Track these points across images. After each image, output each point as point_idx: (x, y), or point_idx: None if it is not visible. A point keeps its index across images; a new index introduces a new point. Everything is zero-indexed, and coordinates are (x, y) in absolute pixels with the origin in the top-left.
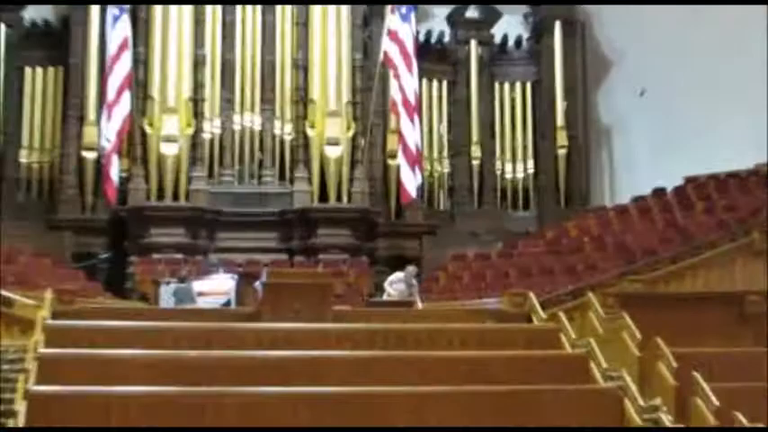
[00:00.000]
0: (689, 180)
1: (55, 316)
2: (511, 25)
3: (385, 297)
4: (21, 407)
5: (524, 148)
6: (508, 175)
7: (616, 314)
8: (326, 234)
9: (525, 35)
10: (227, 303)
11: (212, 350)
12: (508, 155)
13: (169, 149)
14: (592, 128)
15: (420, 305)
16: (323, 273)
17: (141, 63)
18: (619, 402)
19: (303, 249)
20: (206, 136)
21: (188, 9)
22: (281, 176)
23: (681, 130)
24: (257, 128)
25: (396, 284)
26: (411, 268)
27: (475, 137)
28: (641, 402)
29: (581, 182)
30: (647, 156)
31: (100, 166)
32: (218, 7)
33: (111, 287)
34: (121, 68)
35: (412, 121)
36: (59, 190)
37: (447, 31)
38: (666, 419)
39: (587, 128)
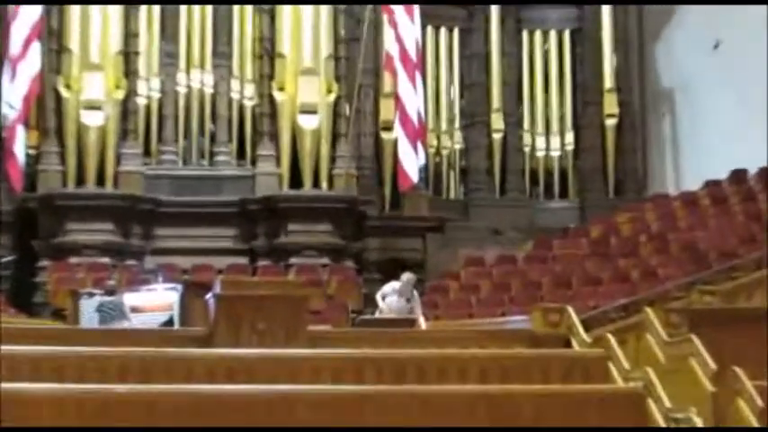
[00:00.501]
0: None
1: None
2: None
3: (377, 314)
4: None
5: (561, 117)
6: (540, 153)
7: (682, 336)
8: (300, 231)
9: None
10: (169, 322)
11: (149, 384)
12: (540, 126)
13: (92, 119)
14: (649, 91)
15: (423, 324)
16: (295, 282)
17: (55, 6)
18: None
19: (269, 251)
20: (140, 101)
21: None
22: (241, 155)
23: (766, 95)
24: (208, 90)
25: (390, 297)
26: (408, 276)
27: (496, 102)
28: None
29: (636, 162)
30: (722, 128)
31: (0, 141)
32: None
33: (16, 300)
34: (29, 13)
35: (413, 81)
36: None
37: None
38: None
39: (644, 91)
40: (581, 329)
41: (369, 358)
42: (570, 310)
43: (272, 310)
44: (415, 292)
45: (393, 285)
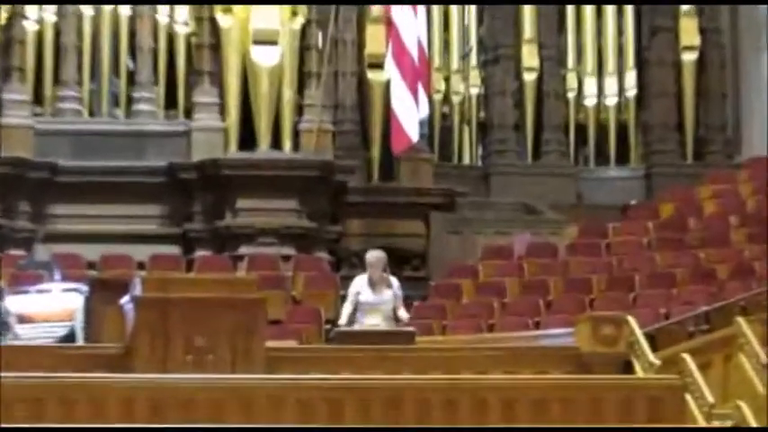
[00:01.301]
0: None
1: None
2: None
3: (353, 324)
4: None
5: (619, 50)
6: (589, 102)
7: None
8: (254, 209)
9: None
10: (70, 336)
11: (45, 423)
12: (589, 64)
13: None
14: (744, 16)
15: (405, 316)
16: (247, 280)
17: None
18: None
19: (210, 237)
20: (29, 26)
21: None
22: (170, 103)
23: None
24: (125, 12)
25: (365, 294)
26: (375, 254)
27: (528, 31)
28: None
29: (724, 113)
30: None
31: None
32: None
33: None
34: None
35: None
36: None
37: None
38: None
39: (736, 16)
40: (646, 348)
41: (350, 387)
42: (631, 320)
43: (215, 320)
44: (393, 279)
45: (364, 278)
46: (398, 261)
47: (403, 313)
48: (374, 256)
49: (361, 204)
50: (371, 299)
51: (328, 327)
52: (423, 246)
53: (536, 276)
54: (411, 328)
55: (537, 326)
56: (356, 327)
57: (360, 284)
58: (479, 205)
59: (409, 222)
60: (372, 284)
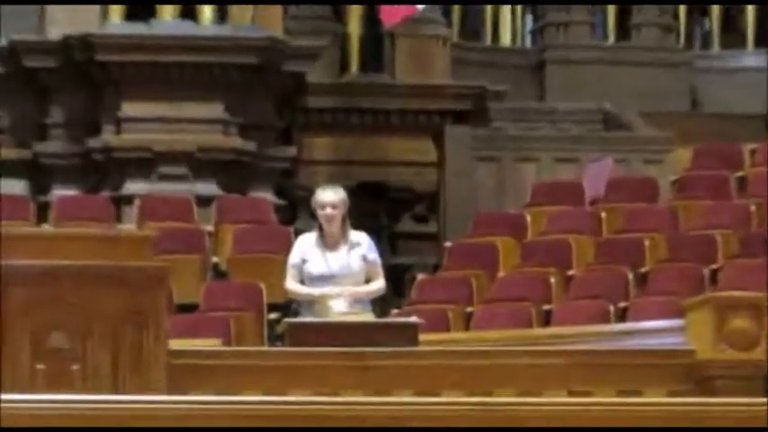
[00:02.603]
0: None
1: None
2: None
3: (337, 309)
4: None
5: None
6: None
7: None
8: (150, 119)
9: None
10: None
11: None
12: None
13: None
14: None
15: (380, 286)
16: (138, 237)
17: None
18: None
19: (78, 164)
20: None
21: None
22: None
23: None
24: None
25: (315, 261)
26: (330, 193)
27: None
28: None
29: None
30: None
31: None
32: None
33: None
34: None
35: None
36: None
37: None
38: None
39: None
40: None
41: (308, 416)
42: None
43: (85, 306)
44: (361, 236)
45: (313, 236)
46: (391, 208)
47: (378, 284)
48: (327, 196)
49: (328, 112)
50: (324, 268)
51: (275, 316)
52: (432, 182)
53: (622, 233)
54: (412, 319)
55: (622, 315)
56: (303, 317)
57: (306, 246)
58: (527, 114)
59: (409, 143)
60: (326, 245)
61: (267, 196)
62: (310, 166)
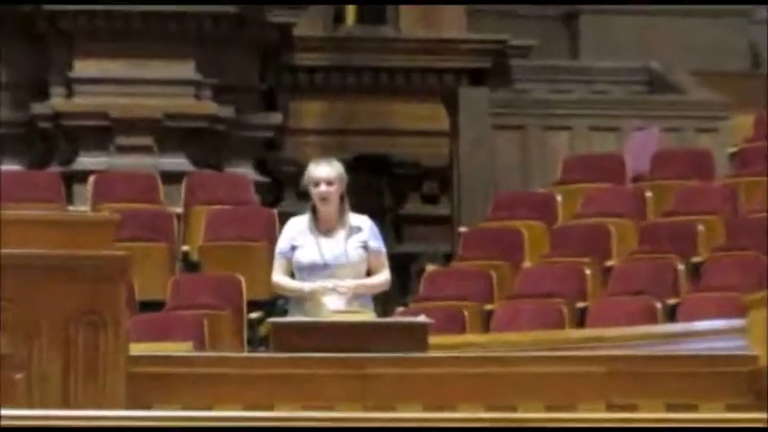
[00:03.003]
0: None
1: None
2: None
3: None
4: None
5: None
6: None
7: None
8: (106, 79)
9: None
10: None
11: None
12: None
13: None
14: None
15: (386, 279)
16: (94, 220)
17: None
18: None
19: (21, 133)
20: None
21: None
22: None
23: None
24: None
25: (306, 248)
26: (325, 167)
27: None
28: None
29: None
30: None
31: None
32: None
33: None
34: None
35: None
36: None
37: None
38: None
39: None
40: None
41: None
42: None
43: (28, 303)
44: (362, 219)
45: (304, 219)
46: (395, 186)
47: (381, 278)
48: (321, 170)
49: (320, 72)
50: (317, 258)
51: (256, 315)
52: (443, 155)
53: (670, 216)
54: (421, 318)
55: (671, 314)
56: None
57: (296, 231)
58: (557, 74)
59: (416, 108)
60: (320, 229)
61: (247, 172)
62: (299, 135)
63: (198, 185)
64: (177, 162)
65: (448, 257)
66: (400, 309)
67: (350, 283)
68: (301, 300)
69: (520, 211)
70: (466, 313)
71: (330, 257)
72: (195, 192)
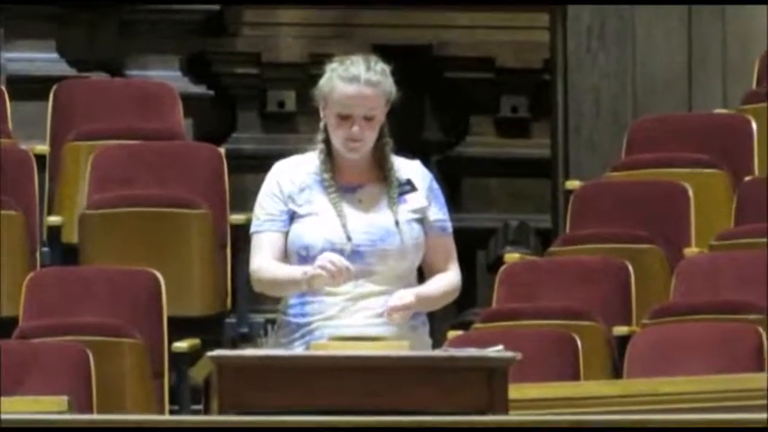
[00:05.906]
0: None
1: None
2: None
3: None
4: None
5: None
6: None
7: None
8: None
9: None
10: None
11: None
12: None
13: None
14: None
15: (454, 282)
16: None
17: None
18: None
19: None
20: None
21: None
22: None
23: None
24: None
25: (311, 200)
26: (362, 69)
27: None
28: None
29: None
30: None
31: None
32: None
33: None
34: None
35: None
36: None
37: None
38: None
39: None
40: None
41: None
42: None
43: None
44: (421, 170)
45: (303, 164)
46: (449, 104)
47: (452, 278)
48: (358, 86)
49: None
50: (336, 235)
51: (188, 345)
52: (537, 53)
53: None
54: (498, 349)
55: None
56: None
57: (294, 183)
58: None
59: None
60: (339, 184)
61: (171, 76)
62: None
63: (78, 101)
64: (40, 57)
65: (545, 237)
66: (454, 334)
67: (408, 297)
68: (310, 315)
69: (680, 153)
70: (579, 341)
71: (363, 238)
72: (75, 114)
